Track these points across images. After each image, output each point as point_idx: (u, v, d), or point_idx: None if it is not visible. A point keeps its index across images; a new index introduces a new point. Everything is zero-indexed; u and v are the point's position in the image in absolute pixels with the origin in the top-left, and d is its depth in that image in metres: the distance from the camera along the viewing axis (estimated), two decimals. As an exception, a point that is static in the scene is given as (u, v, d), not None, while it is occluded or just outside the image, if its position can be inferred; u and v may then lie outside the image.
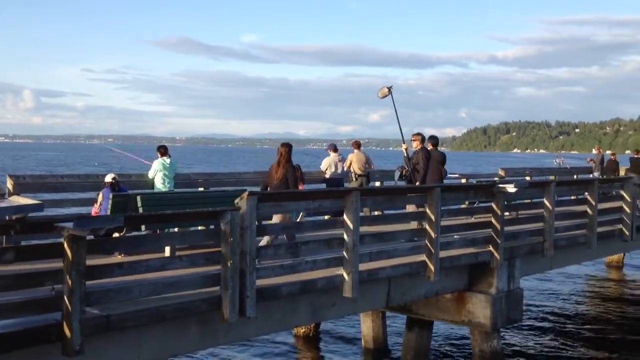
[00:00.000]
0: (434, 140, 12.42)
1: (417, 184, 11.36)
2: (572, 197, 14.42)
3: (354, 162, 14.83)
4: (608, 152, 24.89)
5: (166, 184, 11.78)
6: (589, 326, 14.62)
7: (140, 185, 11.69)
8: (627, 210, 13.37)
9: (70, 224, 5.63)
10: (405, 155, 11.94)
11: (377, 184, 15.49)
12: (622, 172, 22.42)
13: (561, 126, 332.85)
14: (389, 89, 12.11)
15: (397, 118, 12.16)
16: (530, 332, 13.84)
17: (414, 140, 12.12)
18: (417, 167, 11.61)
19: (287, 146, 10.32)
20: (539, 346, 12.97)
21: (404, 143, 12.10)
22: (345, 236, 8.17)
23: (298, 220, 11.01)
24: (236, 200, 7.18)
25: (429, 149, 12.08)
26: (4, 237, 7.93)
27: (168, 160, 11.88)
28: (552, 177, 19.35)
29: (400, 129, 12.31)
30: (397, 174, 11.85)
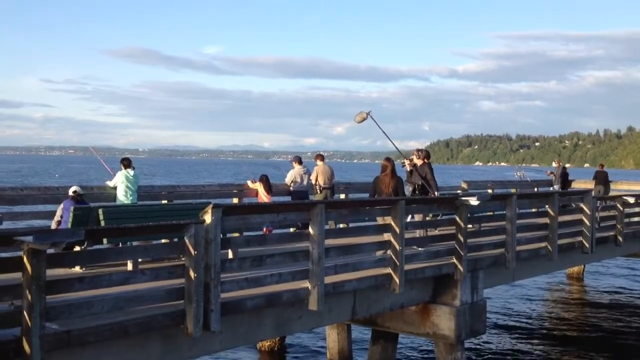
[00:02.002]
0: (428, 154, 12.87)
1: (436, 194, 11.99)
2: (533, 210, 14.66)
3: (320, 174, 14.85)
4: (567, 164, 25.44)
5: (129, 196, 11.63)
6: (549, 334, 14.85)
7: (102, 198, 11.50)
8: (587, 222, 13.63)
9: (30, 238, 5.50)
10: (409, 170, 12.23)
11: (342, 196, 15.53)
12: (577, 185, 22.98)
13: (522, 139, 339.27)
14: (368, 113, 12.36)
15: (388, 137, 12.70)
16: (493, 342, 13.99)
17: (418, 157, 12.45)
18: (427, 180, 12.05)
19: (391, 160, 11.49)
20: (501, 357, 13.11)
21: (405, 158, 12.39)
22: (310, 249, 8.16)
23: None
24: (201, 213, 7.11)
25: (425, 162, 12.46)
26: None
27: (132, 173, 11.73)
28: (513, 190, 19.68)
29: (395, 146, 12.69)
30: (408, 189, 12.09)
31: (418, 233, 11.28)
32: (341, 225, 12.81)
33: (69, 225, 9.05)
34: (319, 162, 15.10)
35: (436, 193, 12.29)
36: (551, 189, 21.71)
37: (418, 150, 12.76)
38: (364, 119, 12.38)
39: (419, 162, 12.40)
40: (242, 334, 8.06)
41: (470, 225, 10.95)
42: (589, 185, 22.35)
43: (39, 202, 11.05)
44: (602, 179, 22.44)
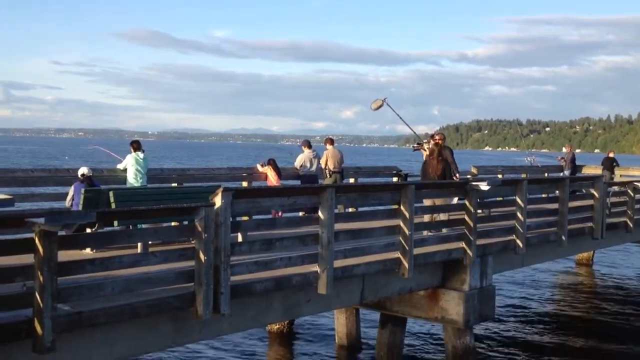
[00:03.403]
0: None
1: (457, 177, 12.06)
2: (543, 195, 14.59)
3: (329, 158, 14.83)
4: (578, 150, 25.41)
5: (139, 179, 11.66)
6: (558, 320, 14.85)
7: (113, 181, 11.54)
8: (598, 208, 13.57)
9: (41, 219, 5.53)
10: (429, 153, 12.20)
11: (352, 180, 15.52)
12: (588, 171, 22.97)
13: (532, 124, 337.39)
14: (384, 100, 12.37)
15: (406, 123, 12.74)
16: (502, 328, 14.00)
17: (440, 139, 12.34)
18: (448, 162, 12.02)
19: (438, 145, 11.95)
20: (510, 342, 13.13)
21: (419, 143, 12.37)
22: (320, 232, 8.16)
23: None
24: (211, 197, 7.12)
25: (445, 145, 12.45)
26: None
27: (141, 155, 11.76)
28: (523, 175, 19.59)
29: (414, 131, 12.73)
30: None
31: (426, 218, 11.26)
32: (350, 210, 12.80)
33: (80, 207, 9.10)
34: (329, 146, 15.07)
35: (457, 175, 12.28)
36: (561, 174, 21.61)
37: (439, 134, 12.72)
38: (380, 106, 12.43)
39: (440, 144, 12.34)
40: (252, 317, 8.10)
41: (480, 211, 10.92)
42: (598, 171, 22.37)
43: (50, 183, 11.12)
44: (608, 165, 22.64)
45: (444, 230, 10.80)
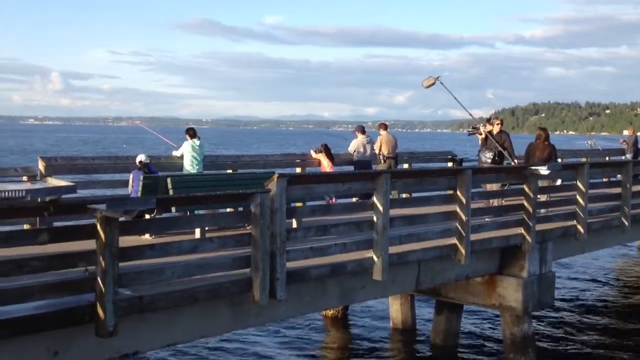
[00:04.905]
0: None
1: (514, 162, 11.96)
2: (604, 180, 14.15)
3: (383, 143, 14.73)
4: (639, 132, 24.49)
5: (195, 166, 11.82)
6: (617, 307, 14.43)
7: (170, 167, 11.74)
8: (662, 193, 13.07)
9: (103, 206, 5.65)
10: (484, 137, 12.02)
11: (406, 166, 15.37)
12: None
13: (591, 107, 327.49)
14: (437, 78, 12.18)
15: (460, 102, 12.71)
16: (561, 315, 13.70)
17: (498, 124, 12.18)
18: (505, 147, 11.92)
19: (545, 130, 12.72)
20: (570, 329, 12.83)
21: (474, 127, 12.20)
22: (375, 218, 8.10)
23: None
24: (266, 182, 7.15)
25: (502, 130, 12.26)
26: (38, 218, 8.01)
27: (198, 142, 11.91)
28: (584, 159, 19.05)
29: (469, 112, 12.65)
30: (488, 156, 11.90)
31: (485, 203, 11.05)
32: (404, 195, 12.69)
33: (139, 194, 9.28)
34: (383, 132, 14.96)
35: (515, 161, 12.06)
36: (623, 158, 20.91)
37: (496, 117, 12.49)
38: (433, 84, 12.19)
39: (496, 129, 12.14)
40: (307, 302, 8.13)
41: (539, 196, 10.67)
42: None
43: (110, 171, 11.39)
44: None
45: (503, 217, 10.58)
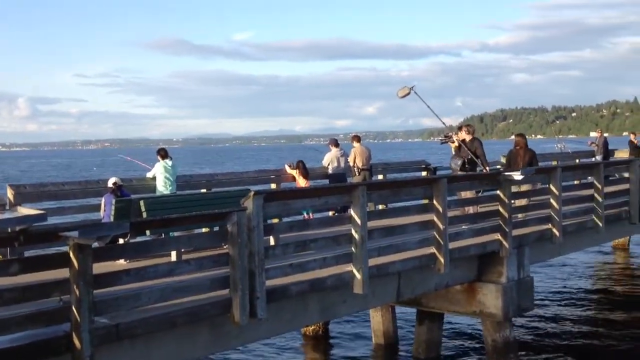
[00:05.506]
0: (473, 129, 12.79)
1: (486, 170, 12.07)
2: (576, 182, 14.30)
3: (357, 155, 14.72)
4: (606, 134, 24.90)
5: (168, 186, 11.66)
6: (600, 309, 14.54)
7: (142, 190, 11.55)
8: (634, 192, 13.25)
9: (75, 233, 5.51)
10: (457, 145, 12.20)
11: (380, 177, 15.37)
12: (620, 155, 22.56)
13: (558, 111, 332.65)
14: (411, 88, 12.26)
15: (433, 111, 12.89)
16: (542, 319, 13.74)
17: (467, 132, 12.33)
18: (477, 154, 12.05)
19: (524, 136, 13.13)
20: (551, 333, 12.88)
21: (447, 135, 12.35)
22: (353, 232, 8.05)
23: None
24: (242, 200, 7.05)
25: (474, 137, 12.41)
26: (8, 249, 7.81)
27: (170, 163, 11.76)
28: (554, 162, 19.25)
29: (442, 120, 12.76)
30: (457, 162, 12.06)
31: (461, 211, 11.08)
32: (380, 207, 12.67)
33: (112, 218, 9.11)
34: (356, 144, 14.96)
35: (487, 168, 12.16)
36: (593, 159, 21.20)
37: (467, 125, 12.66)
38: (407, 94, 12.26)
39: (468, 137, 12.24)
40: (288, 320, 8.02)
41: (518, 201, 10.75)
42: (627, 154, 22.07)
43: (81, 196, 11.17)
44: (633, 148, 22.34)
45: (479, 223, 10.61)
